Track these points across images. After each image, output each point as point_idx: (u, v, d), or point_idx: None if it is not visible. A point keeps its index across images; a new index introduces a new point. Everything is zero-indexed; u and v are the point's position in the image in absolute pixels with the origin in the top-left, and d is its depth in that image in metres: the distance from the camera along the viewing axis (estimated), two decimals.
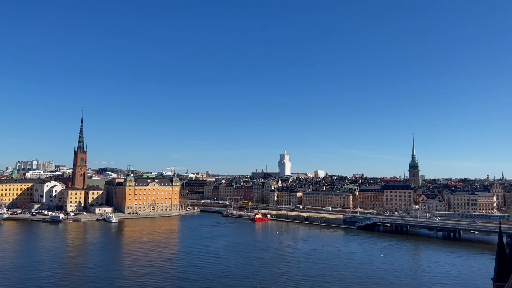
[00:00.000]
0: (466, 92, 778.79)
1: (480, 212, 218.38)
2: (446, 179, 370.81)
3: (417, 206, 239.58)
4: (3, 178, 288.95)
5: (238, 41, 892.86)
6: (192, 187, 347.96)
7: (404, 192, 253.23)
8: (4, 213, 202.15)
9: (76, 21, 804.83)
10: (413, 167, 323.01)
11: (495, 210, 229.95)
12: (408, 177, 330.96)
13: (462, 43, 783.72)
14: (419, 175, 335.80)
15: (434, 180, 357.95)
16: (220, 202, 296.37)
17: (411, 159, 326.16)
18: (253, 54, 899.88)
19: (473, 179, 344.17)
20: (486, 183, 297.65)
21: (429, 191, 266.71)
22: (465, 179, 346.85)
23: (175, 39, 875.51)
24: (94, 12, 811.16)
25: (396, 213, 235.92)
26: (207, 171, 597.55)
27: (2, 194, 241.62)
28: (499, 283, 38.77)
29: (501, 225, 43.37)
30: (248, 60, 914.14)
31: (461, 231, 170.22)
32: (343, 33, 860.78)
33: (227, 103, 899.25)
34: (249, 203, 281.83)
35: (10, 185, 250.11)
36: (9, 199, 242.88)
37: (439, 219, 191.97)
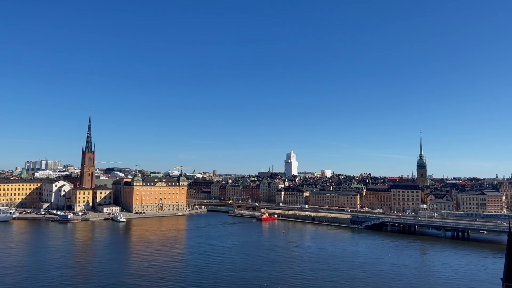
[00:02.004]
0: (474, 91, 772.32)
1: (489, 212, 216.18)
2: (454, 179, 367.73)
3: (425, 206, 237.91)
4: (12, 178, 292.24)
5: (245, 41, 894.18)
6: (199, 187, 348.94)
7: (412, 192, 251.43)
8: (14, 212, 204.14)
9: (84, 21, 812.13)
10: (421, 166, 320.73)
11: (505, 210, 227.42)
12: (416, 176, 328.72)
13: (471, 41, 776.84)
14: (427, 175, 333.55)
15: (442, 179, 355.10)
16: (230, 201, 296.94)
17: (418, 158, 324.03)
18: (260, 54, 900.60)
19: (482, 178, 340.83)
20: (495, 182, 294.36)
21: (437, 191, 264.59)
22: (473, 178, 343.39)
23: (183, 39, 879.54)
24: (102, 12, 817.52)
25: (404, 212, 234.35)
26: (214, 171, 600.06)
27: (11, 194, 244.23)
28: (509, 283, 38.41)
29: (511, 225, 42.88)
30: (254, 60, 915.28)
31: (469, 231, 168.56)
32: (350, 32, 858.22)
33: (233, 103, 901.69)
34: (232, 201, 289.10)
35: (19, 185, 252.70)
36: (18, 199, 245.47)
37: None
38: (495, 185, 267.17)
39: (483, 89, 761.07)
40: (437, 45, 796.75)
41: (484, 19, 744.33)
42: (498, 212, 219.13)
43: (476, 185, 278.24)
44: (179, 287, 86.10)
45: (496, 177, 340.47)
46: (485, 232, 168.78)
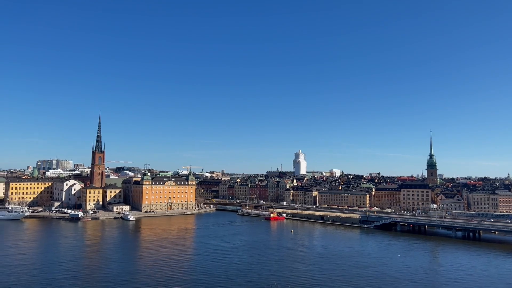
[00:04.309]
0: (485, 89, 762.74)
1: (500, 212, 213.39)
2: (465, 178, 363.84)
3: (435, 206, 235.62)
4: (24, 177, 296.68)
5: (252, 40, 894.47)
6: (208, 186, 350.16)
7: (422, 191, 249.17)
8: (25, 211, 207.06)
9: (93, 22, 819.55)
10: (431, 165, 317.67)
11: None
12: (426, 176, 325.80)
13: (482, 38, 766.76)
14: (437, 174, 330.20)
15: (452, 179, 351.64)
16: (237, 201, 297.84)
17: (429, 157, 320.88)
18: (268, 53, 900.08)
19: (494, 178, 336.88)
20: (507, 182, 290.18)
21: (448, 190, 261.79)
22: (485, 178, 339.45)
23: (192, 38, 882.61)
24: (110, 13, 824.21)
25: (414, 212, 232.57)
26: (222, 170, 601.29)
27: (23, 193, 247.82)
28: None
29: None
30: (263, 59, 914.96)
31: (481, 231, 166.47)
32: (360, 30, 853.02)
33: (242, 103, 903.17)
34: (214, 200, 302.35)
35: (31, 184, 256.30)
36: (30, 198, 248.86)
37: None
38: (506, 185, 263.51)
39: (495, 87, 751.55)
40: (447, 43, 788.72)
41: (498, 15, 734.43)
42: (510, 212, 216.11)
43: (488, 185, 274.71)
44: (188, 286, 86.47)
45: (508, 176, 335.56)
46: (496, 232, 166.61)
